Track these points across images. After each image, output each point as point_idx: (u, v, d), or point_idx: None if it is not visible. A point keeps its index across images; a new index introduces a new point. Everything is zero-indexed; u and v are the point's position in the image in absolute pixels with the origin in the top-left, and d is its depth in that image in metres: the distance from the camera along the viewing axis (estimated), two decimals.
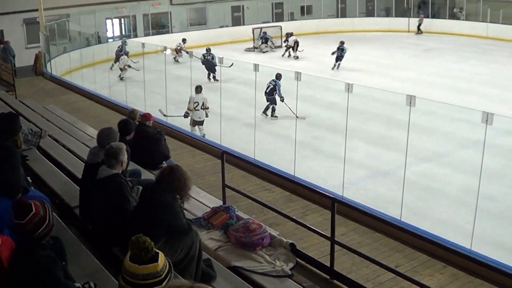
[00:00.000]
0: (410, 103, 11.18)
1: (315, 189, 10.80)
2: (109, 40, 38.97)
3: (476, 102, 21.86)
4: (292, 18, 48.06)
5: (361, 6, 50.62)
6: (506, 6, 44.48)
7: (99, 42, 37.06)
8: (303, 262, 7.97)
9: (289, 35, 37.36)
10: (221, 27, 43.73)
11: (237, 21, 45.46)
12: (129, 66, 27.83)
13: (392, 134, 18.31)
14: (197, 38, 39.81)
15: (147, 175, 10.09)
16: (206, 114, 18.72)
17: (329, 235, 7.89)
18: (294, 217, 9.28)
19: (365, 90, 19.89)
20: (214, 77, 28.43)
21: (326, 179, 14.42)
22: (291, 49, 37.03)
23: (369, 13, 51.09)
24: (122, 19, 42.01)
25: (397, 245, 9.99)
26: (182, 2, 43.13)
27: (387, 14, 48.69)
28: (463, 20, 47.21)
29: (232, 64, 25.12)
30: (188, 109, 18.69)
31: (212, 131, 17.66)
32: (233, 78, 25.32)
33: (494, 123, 9.92)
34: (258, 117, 17.02)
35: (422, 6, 49.06)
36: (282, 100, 21.04)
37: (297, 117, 18.17)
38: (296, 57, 36.09)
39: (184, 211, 7.03)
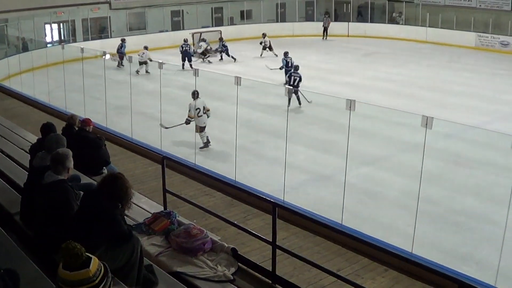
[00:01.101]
0: (350, 107, 11.27)
1: (255, 193, 10.81)
2: (48, 45, 38.48)
3: (416, 106, 22.24)
4: (232, 22, 48.17)
5: (300, 11, 50.98)
6: (445, 10, 45.39)
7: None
8: (244, 267, 7.95)
9: (264, 35, 38.55)
10: (160, 31, 43.57)
11: (176, 26, 45.24)
12: (150, 60, 29.99)
13: (332, 138, 18.46)
14: (137, 42, 39.55)
15: (87, 180, 9.98)
16: (208, 115, 18.49)
17: (271, 240, 7.89)
18: (235, 222, 9.26)
19: (305, 94, 20.04)
20: (190, 65, 32.68)
21: (267, 184, 14.44)
22: (267, 48, 38.16)
23: (309, 17, 51.44)
24: (61, 24, 41.50)
25: (338, 248, 10.06)
26: (121, 6, 42.82)
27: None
28: (402, 24, 47.95)
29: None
30: (189, 116, 18.34)
31: (151, 136, 17.55)
32: (172, 83, 25.20)
33: (434, 127, 10.06)
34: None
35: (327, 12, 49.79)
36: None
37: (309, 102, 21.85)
38: (276, 55, 36.56)
39: (125, 217, 6.97)
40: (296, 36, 46.30)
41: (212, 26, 44.88)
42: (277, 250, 7.94)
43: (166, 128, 18.19)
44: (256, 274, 7.89)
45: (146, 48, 32.28)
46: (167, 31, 44.05)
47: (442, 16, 44.80)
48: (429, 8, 46.68)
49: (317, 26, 46.81)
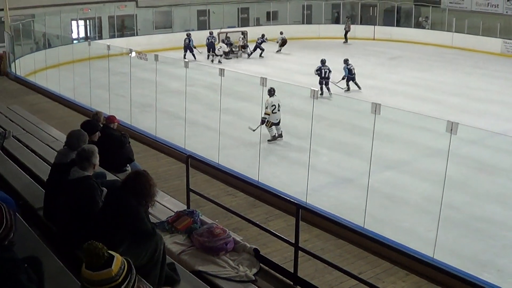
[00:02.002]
0: (375, 111, 11.25)
1: (279, 194, 10.81)
2: (74, 42, 38.73)
3: (440, 111, 22.14)
4: (258, 23, 48.18)
5: (326, 13, 50.92)
6: (471, 16, 45.13)
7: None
8: (266, 268, 7.97)
9: (281, 33, 40.10)
10: (186, 31, 43.64)
11: (202, 25, 45.30)
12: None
13: (356, 141, 18.41)
14: (162, 41, 39.81)
15: (111, 178, 10.03)
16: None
17: (293, 241, 7.90)
18: (257, 222, 9.28)
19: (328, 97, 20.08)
20: (213, 55, 36.86)
21: (290, 185, 14.41)
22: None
23: (335, 20, 51.36)
24: (88, 21, 41.74)
25: (360, 252, 10.06)
26: (148, 4, 42.97)
27: (353, 21, 48.92)
28: (428, 29, 47.72)
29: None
30: (266, 113, 18.80)
31: (175, 135, 17.60)
32: (198, 82, 25.27)
33: (459, 132, 10.02)
34: (223, 122, 17.02)
35: (350, 15, 49.99)
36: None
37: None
38: (278, 51, 39.13)
39: (149, 215, 7.01)
40: (322, 38, 46.30)
41: (238, 26, 44.91)
42: (302, 251, 7.97)
43: (254, 130, 18.29)
44: (278, 275, 7.90)
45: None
46: (193, 30, 44.13)
47: (468, 21, 44.55)
48: (456, 13, 46.47)
49: (343, 29, 46.72)
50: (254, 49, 39.01)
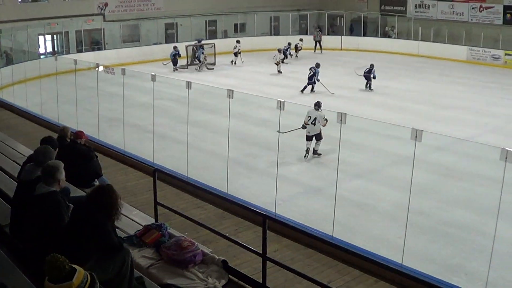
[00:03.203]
0: (341, 120, 11.33)
1: (247, 206, 10.84)
2: (42, 56, 38.52)
3: (408, 119, 22.35)
4: (225, 35, 48.22)
5: (294, 24, 51.10)
6: (437, 24, 45.71)
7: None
8: (235, 279, 8.00)
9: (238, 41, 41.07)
10: (154, 44, 43.64)
11: (170, 38, 45.30)
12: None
13: (325, 150, 18.50)
14: (130, 54, 39.69)
15: (79, 193, 9.99)
16: (320, 130, 19.00)
17: (262, 252, 7.93)
18: (226, 234, 9.31)
19: (297, 107, 20.09)
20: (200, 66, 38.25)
21: (259, 196, 14.46)
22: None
23: (302, 31, 51.57)
24: (55, 35, 41.55)
25: (329, 260, 10.08)
26: (115, 18, 42.88)
27: (320, 32, 49.19)
28: (394, 38, 48.23)
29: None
30: (304, 122, 19.02)
31: (144, 149, 17.55)
32: (166, 95, 25.22)
33: (425, 139, 10.12)
34: (191, 135, 16.99)
35: (319, 25, 50.44)
36: (318, 80, 29.74)
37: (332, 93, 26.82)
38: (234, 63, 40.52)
39: (116, 229, 7.00)
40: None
41: (206, 39, 44.82)
42: (268, 262, 8.00)
43: (283, 133, 18.44)
44: (247, 286, 7.93)
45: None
46: (160, 43, 44.11)
47: (434, 30, 45.20)
48: (421, 22, 47.06)
49: (311, 40, 46.96)
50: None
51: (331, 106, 21.73)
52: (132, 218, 9.63)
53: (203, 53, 38.81)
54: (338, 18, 50.99)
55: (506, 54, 40.87)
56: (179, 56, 37.69)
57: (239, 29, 48.70)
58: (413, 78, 35.25)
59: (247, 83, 32.28)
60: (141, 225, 9.08)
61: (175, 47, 38.24)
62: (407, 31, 48.46)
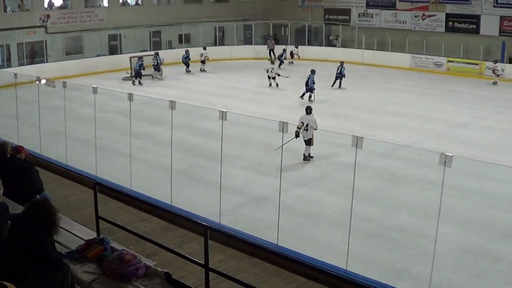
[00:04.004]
0: (283, 129, 11.41)
1: (189, 217, 10.81)
2: None
3: (352, 126, 22.56)
4: (170, 46, 48.06)
5: (239, 34, 51.19)
6: (380, 33, 46.37)
7: None
8: None
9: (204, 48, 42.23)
10: (98, 55, 43.25)
11: (114, 50, 44.98)
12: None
13: (269, 160, 18.55)
14: (74, 67, 39.24)
15: (20, 209, 9.83)
16: (312, 134, 19.94)
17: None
18: (171, 247, 9.26)
19: (241, 117, 20.19)
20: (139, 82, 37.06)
21: (205, 207, 14.44)
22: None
23: (247, 41, 51.71)
24: None
25: (275, 269, 10.10)
26: (57, 30, 42.35)
27: (265, 42, 49.41)
28: (339, 47, 48.71)
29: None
30: (297, 127, 19.69)
31: (88, 162, 17.36)
32: (110, 108, 25.03)
33: (370, 146, 10.29)
34: (136, 147, 16.88)
35: (272, 35, 50.73)
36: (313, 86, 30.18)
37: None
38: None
39: (59, 245, 6.91)
40: (235, 59, 46.51)
41: (150, 49, 44.59)
42: (213, 273, 7.98)
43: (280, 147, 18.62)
44: None
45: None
46: (104, 55, 43.74)
47: (378, 38, 45.81)
48: (365, 30, 47.72)
49: (255, 50, 47.31)
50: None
51: (273, 115, 21.85)
52: (75, 233, 9.48)
53: (161, 60, 38.82)
54: (282, 27, 51.22)
55: (448, 61, 41.58)
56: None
57: (184, 39, 48.57)
58: (357, 87, 35.62)
59: (193, 94, 32.20)
60: (83, 240, 8.96)
61: (186, 51, 41.64)
62: (351, 40, 49.07)
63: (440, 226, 10.55)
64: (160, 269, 8.06)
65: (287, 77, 31.72)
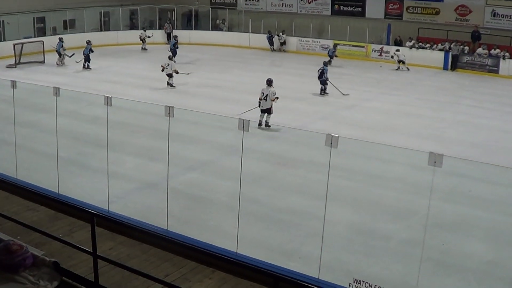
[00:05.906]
0: (169, 114, 11.40)
1: (77, 205, 10.69)
2: None
3: (240, 110, 22.66)
4: (55, 32, 46.93)
5: (124, 19, 50.57)
6: (267, 16, 46.80)
7: None
8: (69, 280, 7.89)
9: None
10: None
11: None
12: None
13: (158, 145, 18.46)
14: None
15: None
16: (271, 105, 22.10)
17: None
18: (60, 236, 9.16)
19: (127, 103, 20.02)
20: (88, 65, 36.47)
21: (93, 195, 14.26)
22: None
23: (133, 26, 51.19)
24: None
25: (165, 254, 10.11)
26: None
27: (151, 26, 49.04)
28: (225, 31, 48.83)
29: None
30: (259, 98, 22.30)
31: None
32: None
33: (256, 130, 10.39)
34: (21, 136, 16.49)
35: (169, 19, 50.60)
36: (327, 79, 29.54)
37: (344, 94, 28.90)
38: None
39: None
40: (120, 44, 45.98)
41: (35, 36, 43.52)
42: (103, 260, 7.95)
43: (246, 111, 18.64)
44: (81, 286, 7.84)
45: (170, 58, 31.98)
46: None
47: (264, 22, 46.18)
48: (252, 14, 48.05)
49: (164, 32, 47.55)
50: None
51: (158, 99, 21.77)
52: None
53: (62, 46, 37.90)
54: (169, 12, 50.90)
55: (335, 44, 42.11)
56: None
57: (69, 25, 47.54)
58: (245, 70, 35.86)
59: (80, 80, 31.72)
60: None
61: (174, 36, 41.54)
62: (238, 24, 49.29)
63: (329, 207, 10.76)
64: (48, 259, 7.99)
65: (188, 73, 31.32)
